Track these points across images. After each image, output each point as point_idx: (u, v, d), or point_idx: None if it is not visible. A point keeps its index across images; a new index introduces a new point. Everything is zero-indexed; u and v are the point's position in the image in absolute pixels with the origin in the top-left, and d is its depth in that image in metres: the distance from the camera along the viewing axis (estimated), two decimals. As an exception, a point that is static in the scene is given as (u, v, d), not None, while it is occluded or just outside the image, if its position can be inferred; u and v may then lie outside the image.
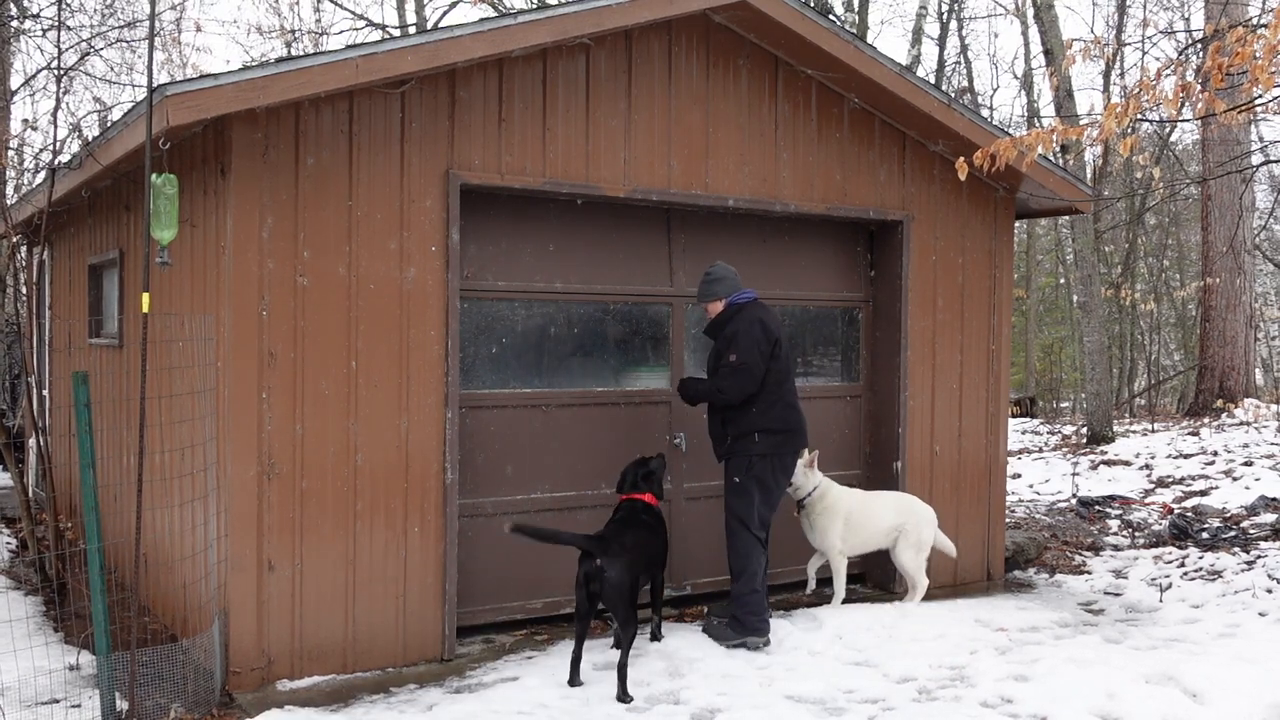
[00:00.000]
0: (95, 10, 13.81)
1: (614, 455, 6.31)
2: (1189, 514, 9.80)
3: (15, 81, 12.71)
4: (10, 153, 10.50)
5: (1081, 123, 6.35)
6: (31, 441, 9.08)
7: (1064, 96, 14.48)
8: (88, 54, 11.27)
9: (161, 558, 6.01)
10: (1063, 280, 28.20)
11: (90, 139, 6.80)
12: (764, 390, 5.89)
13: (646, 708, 4.93)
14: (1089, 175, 19.90)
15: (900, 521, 6.65)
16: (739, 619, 5.89)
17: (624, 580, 5.18)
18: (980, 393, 7.56)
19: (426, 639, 5.59)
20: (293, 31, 18.87)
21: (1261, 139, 18.36)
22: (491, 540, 6.04)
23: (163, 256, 4.90)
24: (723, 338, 5.95)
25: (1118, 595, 7.28)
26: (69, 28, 10.74)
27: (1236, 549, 8.23)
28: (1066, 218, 14.83)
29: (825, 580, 6.76)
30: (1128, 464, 12.89)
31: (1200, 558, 8.04)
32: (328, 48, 17.76)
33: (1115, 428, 15.66)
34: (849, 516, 6.53)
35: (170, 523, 5.83)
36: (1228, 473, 11.67)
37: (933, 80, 21.50)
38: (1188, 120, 10.50)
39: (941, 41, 23.00)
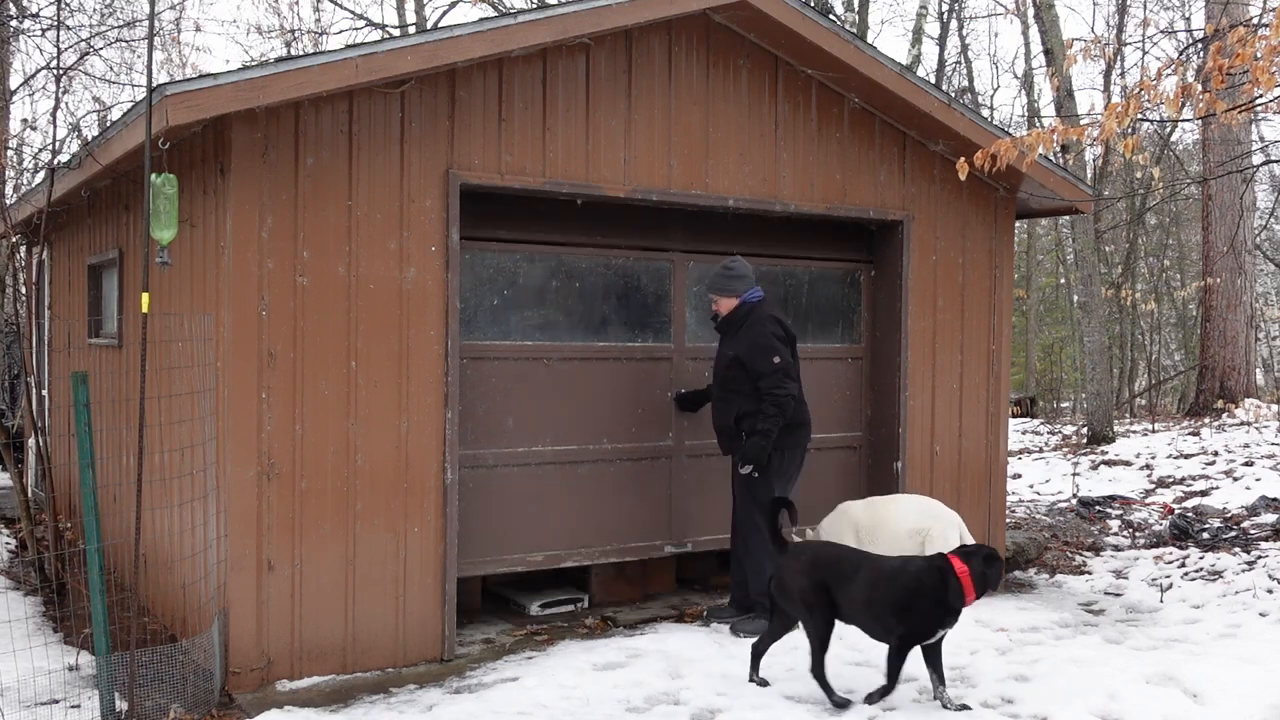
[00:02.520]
0: (94, 10, 13.81)
1: (616, 410, 6.35)
2: (1189, 514, 9.79)
3: (14, 81, 12.71)
4: (10, 152, 10.49)
5: (1082, 123, 6.34)
6: (31, 442, 9.08)
7: (1064, 96, 14.47)
8: (87, 54, 11.26)
9: (161, 558, 6.00)
10: (1063, 280, 28.20)
11: (90, 139, 6.79)
12: None
13: (646, 708, 4.92)
14: (1089, 175, 19.90)
15: (925, 525, 6.40)
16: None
17: (788, 586, 5.04)
18: (981, 393, 7.56)
19: (426, 639, 5.58)
20: (292, 31, 18.88)
21: (1262, 139, 18.35)
22: (491, 492, 6.02)
23: (162, 256, 4.90)
24: (741, 338, 6.01)
25: (1118, 595, 7.27)
26: (68, 27, 10.73)
27: (1237, 549, 8.22)
28: (1067, 218, 14.82)
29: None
30: (1128, 464, 12.89)
31: (1201, 558, 8.03)
32: (327, 48, 17.76)
33: (1116, 428, 15.65)
34: (858, 528, 6.41)
35: (170, 523, 5.82)
36: (1228, 473, 11.66)
37: (933, 80, 21.49)
38: (1188, 120, 10.49)
39: (942, 41, 22.99)
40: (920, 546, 6.55)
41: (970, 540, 6.60)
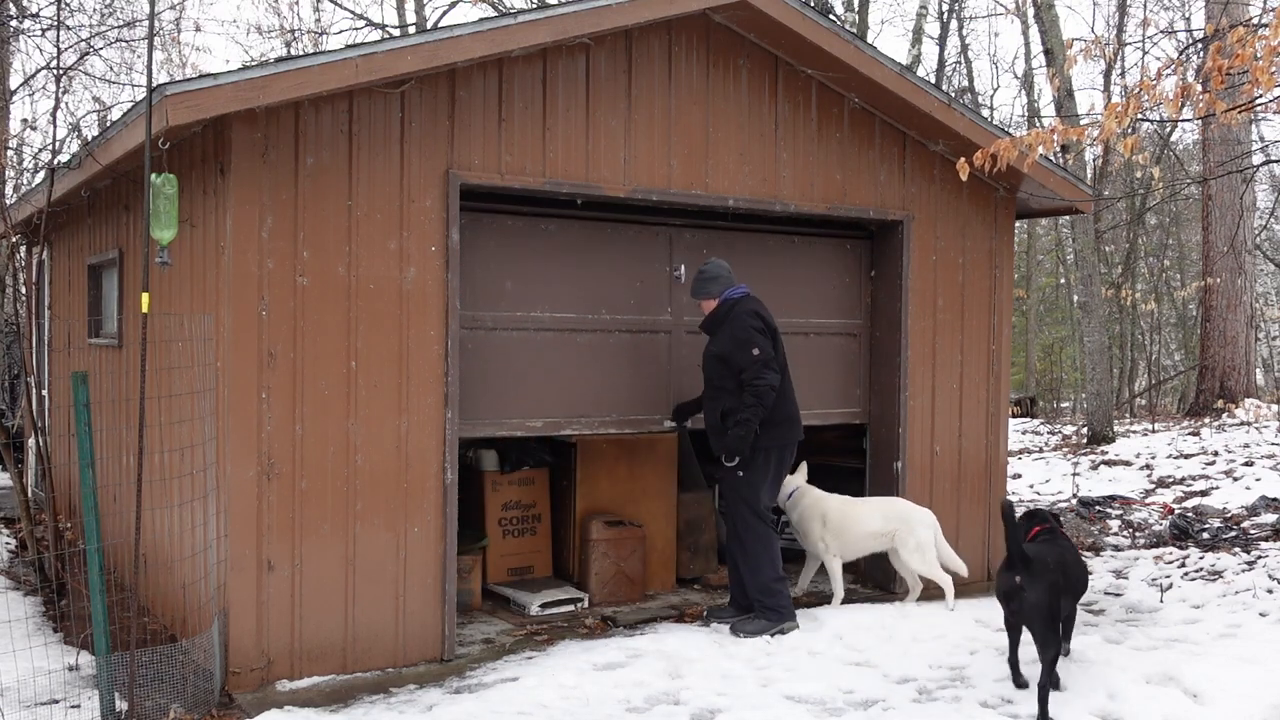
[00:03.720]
0: (94, 10, 13.80)
1: (613, 279, 6.37)
2: (1189, 514, 9.79)
3: (14, 81, 12.71)
4: (10, 152, 10.49)
5: (1082, 123, 6.34)
6: (31, 442, 9.08)
7: (1064, 96, 14.47)
8: (87, 54, 11.26)
9: (161, 558, 6.00)
10: (1063, 280, 28.21)
11: (90, 139, 6.79)
12: None
13: (646, 708, 4.92)
14: (1089, 175, 19.90)
15: (890, 528, 6.60)
16: (769, 607, 5.99)
17: (1043, 601, 4.87)
18: (980, 393, 7.56)
19: (426, 639, 5.58)
20: (292, 31, 18.89)
21: (1262, 139, 18.35)
22: (491, 356, 6.01)
23: (162, 256, 4.90)
24: (724, 335, 6.00)
25: (1118, 595, 7.27)
26: (68, 27, 10.72)
27: (1237, 549, 8.22)
28: (1067, 218, 14.82)
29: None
30: (1128, 464, 12.89)
31: (1201, 558, 8.03)
32: (327, 48, 17.76)
33: (1116, 428, 15.65)
34: (825, 518, 6.59)
35: (170, 523, 5.82)
36: (1228, 473, 11.66)
37: (933, 80, 21.49)
38: (1188, 120, 10.49)
39: (942, 41, 22.99)
40: (894, 549, 6.61)
41: (942, 537, 6.69)
